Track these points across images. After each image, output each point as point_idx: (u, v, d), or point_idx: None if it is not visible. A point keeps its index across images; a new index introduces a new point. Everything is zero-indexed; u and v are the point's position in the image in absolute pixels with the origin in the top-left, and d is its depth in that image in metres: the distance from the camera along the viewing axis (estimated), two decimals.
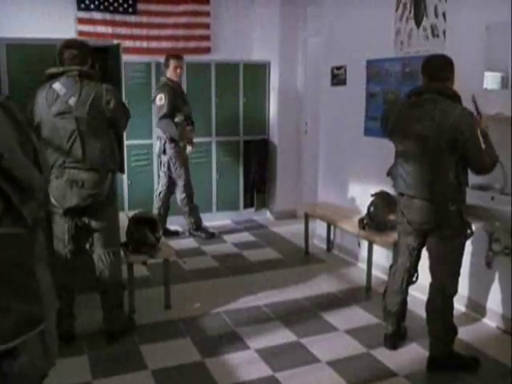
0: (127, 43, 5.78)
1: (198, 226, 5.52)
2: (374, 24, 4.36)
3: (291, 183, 6.34)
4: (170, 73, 5.19)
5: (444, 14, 3.72)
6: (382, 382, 2.90)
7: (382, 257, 4.29)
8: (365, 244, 4.21)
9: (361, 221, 4.14)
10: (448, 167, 2.79)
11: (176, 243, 4.90)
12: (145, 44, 6.04)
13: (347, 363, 3.09)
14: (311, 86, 5.91)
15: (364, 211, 4.20)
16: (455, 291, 2.97)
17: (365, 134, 4.54)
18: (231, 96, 6.03)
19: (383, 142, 3.44)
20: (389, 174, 3.16)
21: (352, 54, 4.68)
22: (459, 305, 3.52)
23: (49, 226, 3.10)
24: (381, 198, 4.00)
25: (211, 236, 5.52)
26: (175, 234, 5.55)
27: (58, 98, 2.96)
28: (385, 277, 3.36)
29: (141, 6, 5.96)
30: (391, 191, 3.25)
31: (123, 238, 3.59)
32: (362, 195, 4.55)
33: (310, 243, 5.16)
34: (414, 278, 3.15)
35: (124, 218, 3.84)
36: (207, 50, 6.32)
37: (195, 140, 5.39)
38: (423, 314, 3.09)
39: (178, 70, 5.19)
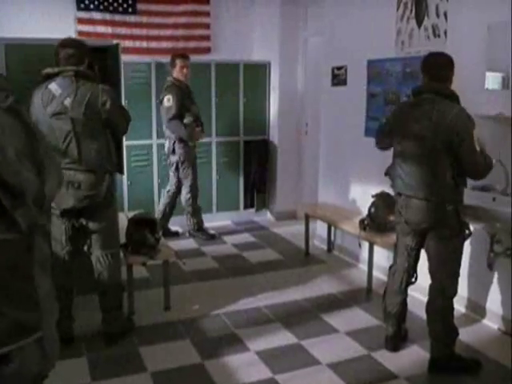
0: (127, 43, 5.77)
1: (199, 228, 5.50)
2: (374, 24, 4.34)
3: (291, 184, 6.32)
4: (176, 73, 5.17)
5: (445, 14, 3.70)
6: None
7: (382, 258, 4.27)
8: (365, 245, 4.20)
9: (361, 222, 4.13)
10: (445, 167, 2.79)
11: (176, 244, 4.88)
12: (145, 44, 6.02)
13: (348, 365, 3.07)
14: (312, 86, 5.90)
15: (365, 212, 4.19)
16: (455, 292, 2.96)
17: (365, 134, 4.52)
18: (231, 96, 6.01)
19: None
20: (387, 173, 3.16)
21: (353, 54, 4.67)
22: (459, 306, 3.50)
23: None
24: (382, 199, 3.99)
25: (211, 238, 5.50)
26: (175, 234, 5.54)
27: (53, 99, 2.93)
28: (386, 278, 3.35)
29: (141, 6, 5.94)
30: (392, 192, 3.25)
31: (123, 239, 3.58)
32: (362, 196, 4.54)
33: (311, 244, 5.14)
34: (414, 279, 3.14)
35: (124, 219, 3.83)
36: (207, 50, 6.30)
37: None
38: (424, 315, 3.08)
39: (185, 70, 5.17)
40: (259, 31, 6.42)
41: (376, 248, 4.12)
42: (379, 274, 4.25)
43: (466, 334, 3.28)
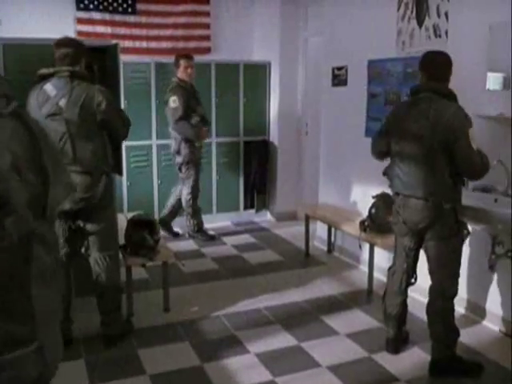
0: (127, 43, 5.76)
1: (199, 229, 5.48)
2: (375, 24, 4.33)
3: (292, 184, 6.30)
4: (180, 73, 5.15)
5: (446, 14, 3.68)
6: None
7: (383, 259, 4.24)
8: (366, 246, 4.18)
9: (362, 223, 4.11)
10: (442, 166, 2.78)
11: (175, 245, 4.87)
12: (144, 44, 6.00)
13: (348, 368, 3.05)
14: (312, 87, 5.88)
15: (365, 213, 4.17)
16: (455, 292, 2.95)
17: (366, 134, 4.50)
18: (231, 96, 6.00)
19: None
20: (385, 173, 3.14)
21: (353, 54, 4.65)
22: (459, 307, 3.48)
23: None
24: (382, 200, 3.97)
25: (211, 239, 5.49)
26: (176, 235, 5.53)
27: (48, 100, 2.91)
28: (386, 279, 3.34)
29: (140, 6, 5.92)
30: (391, 192, 3.24)
31: (122, 241, 3.56)
32: (363, 197, 4.52)
33: (311, 245, 5.12)
34: (413, 280, 3.12)
35: (123, 220, 3.81)
36: (207, 50, 6.28)
37: None
38: (424, 317, 3.06)
39: (189, 70, 5.15)
40: (259, 31, 6.40)
41: (377, 249, 4.10)
42: (380, 276, 4.22)
43: (466, 336, 3.25)
